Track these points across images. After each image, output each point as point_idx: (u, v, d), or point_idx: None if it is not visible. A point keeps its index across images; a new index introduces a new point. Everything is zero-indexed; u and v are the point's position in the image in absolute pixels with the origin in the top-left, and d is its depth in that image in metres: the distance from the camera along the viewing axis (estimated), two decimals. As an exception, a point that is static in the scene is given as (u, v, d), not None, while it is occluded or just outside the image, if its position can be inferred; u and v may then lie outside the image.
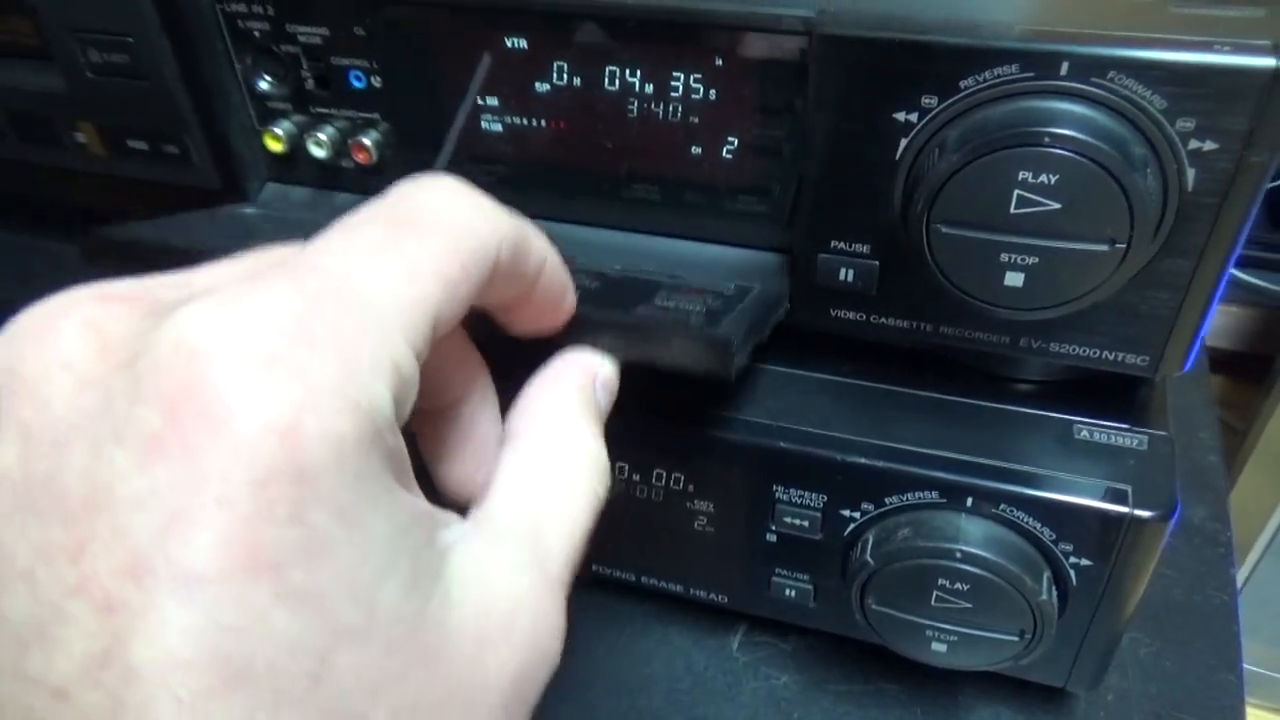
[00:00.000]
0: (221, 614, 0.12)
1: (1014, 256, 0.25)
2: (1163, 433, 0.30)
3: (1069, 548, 0.28)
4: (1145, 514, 0.28)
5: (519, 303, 0.21)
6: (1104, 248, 0.24)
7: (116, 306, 0.14)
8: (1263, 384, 1.08)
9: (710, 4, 0.28)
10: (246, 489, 0.12)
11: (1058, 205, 0.24)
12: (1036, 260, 0.25)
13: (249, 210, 0.35)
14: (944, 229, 0.26)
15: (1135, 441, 0.30)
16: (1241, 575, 0.84)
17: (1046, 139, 0.23)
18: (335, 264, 0.15)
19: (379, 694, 0.13)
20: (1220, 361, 1.29)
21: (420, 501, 0.16)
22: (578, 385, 0.22)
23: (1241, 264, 1.31)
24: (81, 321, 0.14)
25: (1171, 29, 0.23)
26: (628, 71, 0.30)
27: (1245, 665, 0.93)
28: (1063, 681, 0.32)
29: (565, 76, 0.31)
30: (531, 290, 0.21)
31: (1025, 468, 0.29)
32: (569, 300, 0.23)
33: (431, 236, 0.17)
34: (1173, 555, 0.40)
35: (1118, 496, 0.28)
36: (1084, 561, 0.29)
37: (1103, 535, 0.28)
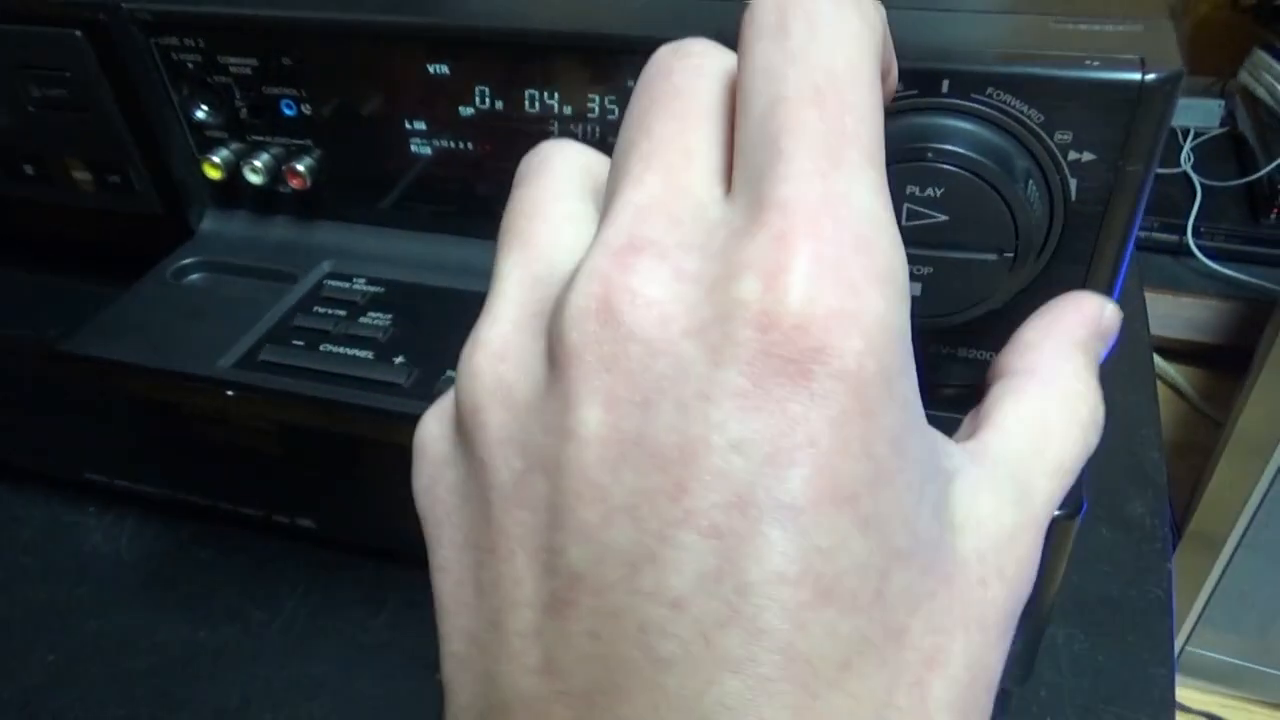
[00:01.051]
0: (816, 538, 0.14)
1: (910, 267, 0.26)
2: (1073, 433, 0.31)
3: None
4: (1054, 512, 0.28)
5: None
6: (992, 257, 0.25)
7: (646, 269, 0.15)
8: (1242, 377, 1.08)
9: (616, 29, 0.29)
10: (828, 430, 0.14)
11: (945, 217, 0.25)
12: (931, 270, 0.26)
13: (195, 276, 0.36)
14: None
15: (1046, 442, 0.30)
16: (1218, 568, 0.85)
17: (930, 154, 0.24)
18: (817, 190, 0.15)
19: (917, 609, 0.15)
20: (1201, 355, 1.30)
21: (929, 426, 0.17)
22: (1084, 335, 0.22)
23: (1222, 258, 1.32)
24: (630, 291, 0.15)
25: (1048, 46, 0.24)
26: (546, 94, 0.31)
27: (1221, 657, 0.94)
28: (991, 678, 0.33)
29: (487, 100, 0.32)
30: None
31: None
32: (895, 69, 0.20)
33: (861, 95, 0.16)
34: (1111, 551, 0.40)
35: (1025, 496, 0.29)
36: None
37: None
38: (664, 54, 0.18)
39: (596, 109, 0.30)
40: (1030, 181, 0.25)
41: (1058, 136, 0.24)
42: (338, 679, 0.39)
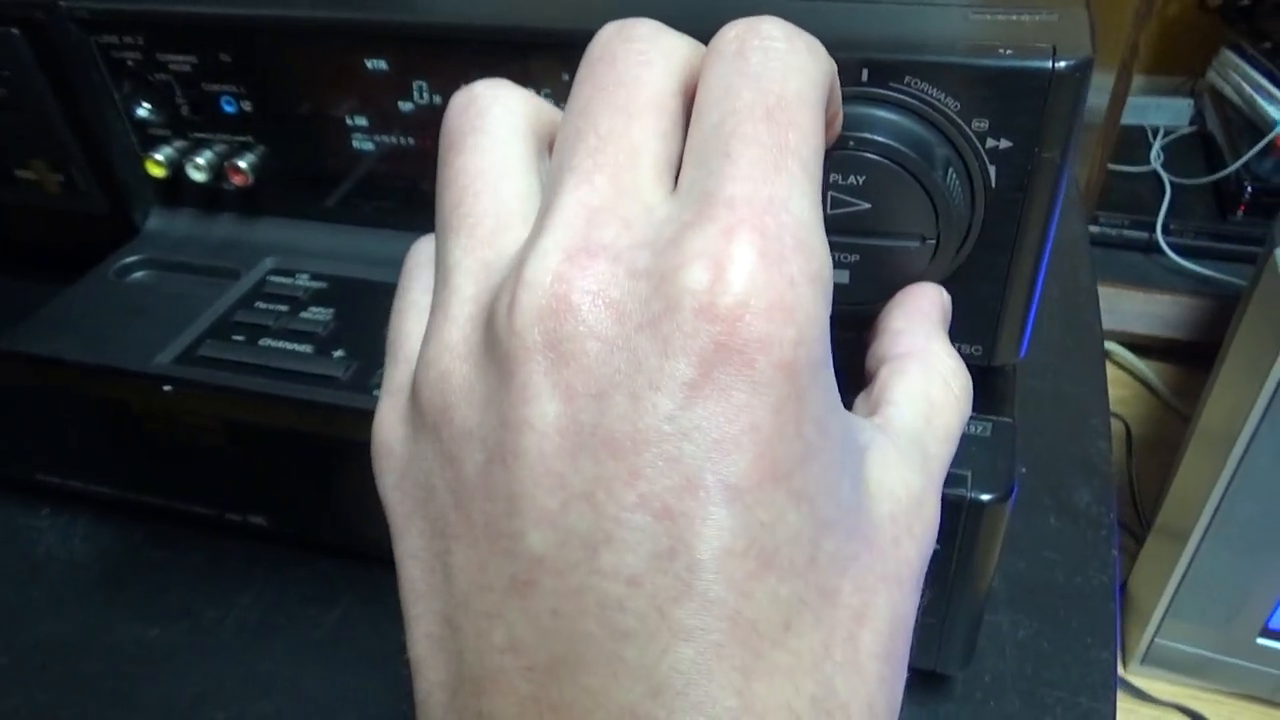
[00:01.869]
0: (758, 514, 0.15)
1: (836, 254, 0.27)
2: (1006, 419, 0.31)
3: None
4: (984, 497, 0.29)
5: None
6: (915, 244, 0.26)
7: (597, 268, 0.16)
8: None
9: (550, 23, 0.29)
10: (769, 415, 0.15)
11: (868, 205, 0.25)
12: (858, 257, 0.26)
13: (138, 274, 0.36)
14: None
15: (979, 428, 0.31)
16: (1184, 560, 0.86)
17: (851, 142, 0.25)
18: (763, 193, 0.16)
19: (845, 571, 0.17)
20: (1172, 351, 1.31)
21: (843, 408, 0.18)
22: (938, 316, 0.25)
23: (1191, 254, 1.33)
24: (590, 293, 0.16)
25: (965, 36, 0.25)
26: (483, 89, 0.31)
27: (1189, 649, 0.94)
28: (933, 665, 0.33)
29: (426, 95, 0.32)
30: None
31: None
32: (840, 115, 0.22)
33: (806, 117, 0.17)
34: (1057, 539, 0.41)
35: (957, 481, 0.29)
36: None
37: (948, 516, 0.29)
38: (609, 35, 0.19)
39: (533, 103, 0.31)
40: (950, 169, 0.25)
41: (975, 124, 0.25)
42: (290, 676, 0.39)
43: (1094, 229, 1.33)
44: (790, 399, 0.15)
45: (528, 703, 0.15)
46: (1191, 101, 1.54)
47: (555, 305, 0.16)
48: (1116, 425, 1.26)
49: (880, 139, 0.24)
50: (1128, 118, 1.35)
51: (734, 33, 0.18)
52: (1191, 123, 1.53)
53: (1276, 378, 0.71)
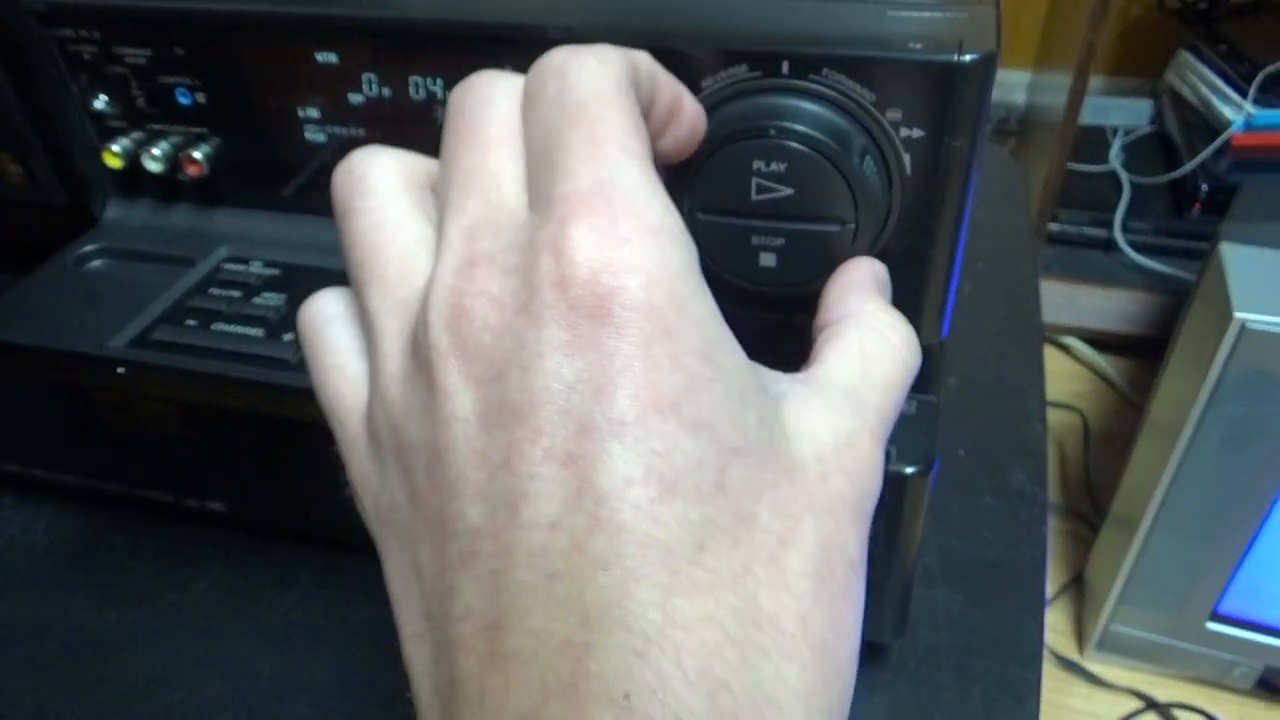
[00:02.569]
0: (650, 444, 0.17)
1: (763, 239, 0.28)
2: (931, 398, 0.33)
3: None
4: (907, 470, 0.30)
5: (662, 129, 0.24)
6: (835, 228, 0.27)
7: (494, 279, 0.19)
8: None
9: (493, 17, 0.30)
10: (638, 352, 0.17)
11: (790, 191, 0.27)
12: (783, 241, 0.28)
13: (96, 263, 0.36)
14: (702, 216, 0.28)
15: (905, 406, 0.32)
16: (1135, 547, 0.88)
17: (772, 131, 0.26)
18: (586, 183, 0.19)
19: (761, 497, 0.18)
20: (1130, 346, 1.34)
21: (743, 353, 0.20)
22: (874, 283, 0.26)
23: (1149, 252, 1.36)
24: (476, 295, 0.18)
25: (879, 30, 0.26)
26: (429, 81, 0.32)
27: (1142, 634, 0.97)
28: (866, 634, 0.35)
29: (375, 87, 0.33)
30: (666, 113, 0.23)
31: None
32: (689, 106, 0.24)
33: (607, 110, 0.20)
34: (992, 518, 0.42)
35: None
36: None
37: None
38: (456, 94, 0.22)
39: (478, 95, 0.32)
40: (867, 157, 0.26)
41: (889, 114, 0.26)
42: (246, 657, 0.40)
43: (1054, 227, 1.36)
44: (657, 336, 0.17)
45: (485, 658, 0.17)
46: (1151, 102, 1.57)
47: (454, 313, 0.18)
48: (1074, 417, 1.29)
49: (800, 128, 0.26)
50: (1089, 118, 1.38)
51: (533, 72, 0.21)
52: (1151, 123, 1.56)
53: (1218, 369, 0.73)
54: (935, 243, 0.28)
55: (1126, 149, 1.49)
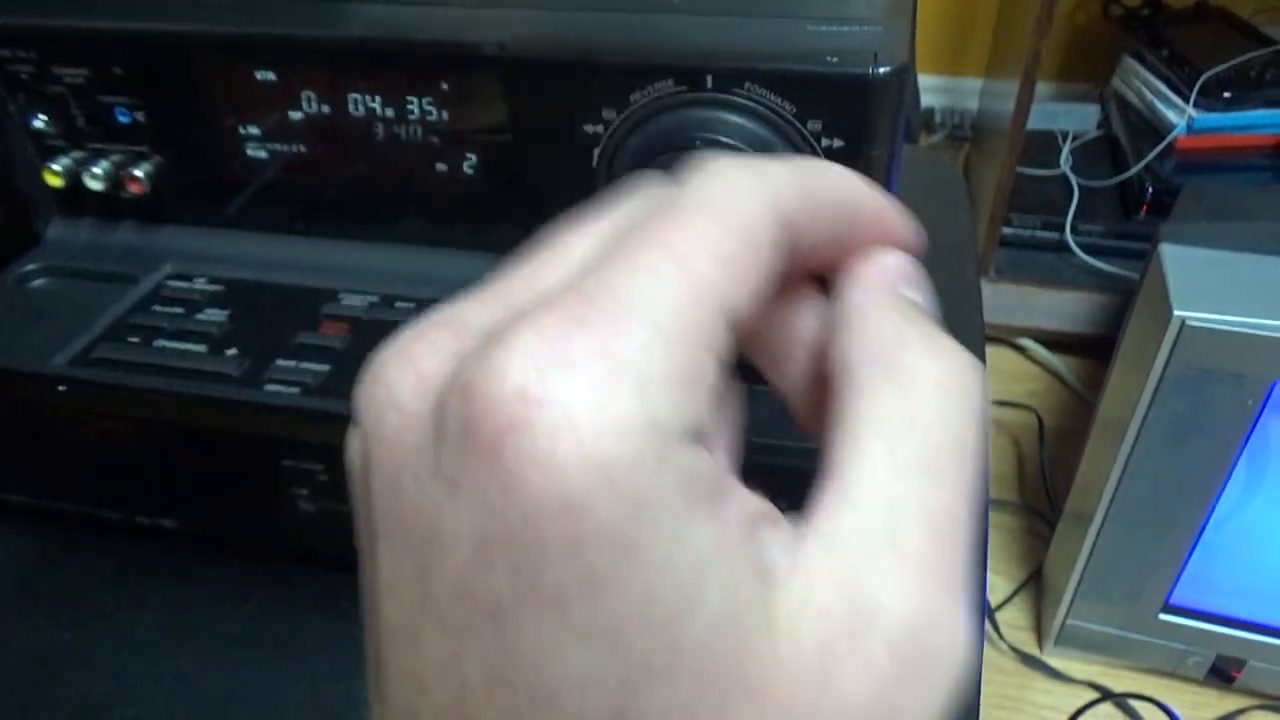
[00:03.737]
0: (523, 647, 0.13)
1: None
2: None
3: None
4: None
5: (847, 250, 0.18)
6: (762, 236, 0.28)
7: (431, 339, 0.15)
8: (1113, 363, 1.15)
9: (418, 33, 0.31)
10: (522, 525, 0.13)
11: (717, 200, 0.27)
12: (713, 250, 0.29)
13: (38, 281, 0.36)
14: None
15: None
16: (1088, 542, 0.90)
17: (698, 142, 0.27)
18: (606, 285, 0.14)
19: None
20: (1081, 345, 1.37)
21: (732, 514, 0.14)
22: (897, 295, 0.18)
23: (1098, 253, 1.39)
24: (401, 358, 0.15)
25: (799, 44, 0.27)
26: (368, 98, 0.33)
27: (1098, 627, 0.98)
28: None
29: (314, 104, 0.33)
30: (854, 229, 0.18)
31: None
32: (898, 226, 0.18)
33: (706, 225, 0.15)
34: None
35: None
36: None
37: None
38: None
39: (416, 111, 0.32)
40: (790, 167, 0.27)
41: (810, 125, 0.27)
42: (201, 672, 0.40)
43: (1007, 230, 1.38)
44: (550, 507, 0.12)
45: None
46: (1098, 107, 1.61)
47: (378, 370, 0.15)
48: (1029, 417, 1.31)
49: (726, 140, 0.27)
50: (1039, 123, 1.41)
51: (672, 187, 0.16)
52: (1098, 127, 1.59)
53: (1160, 365, 0.75)
54: (860, 248, 0.29)
55: (1076, 153, 1.52)
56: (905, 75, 0.26)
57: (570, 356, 0.13)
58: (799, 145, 0.27)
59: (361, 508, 0.15)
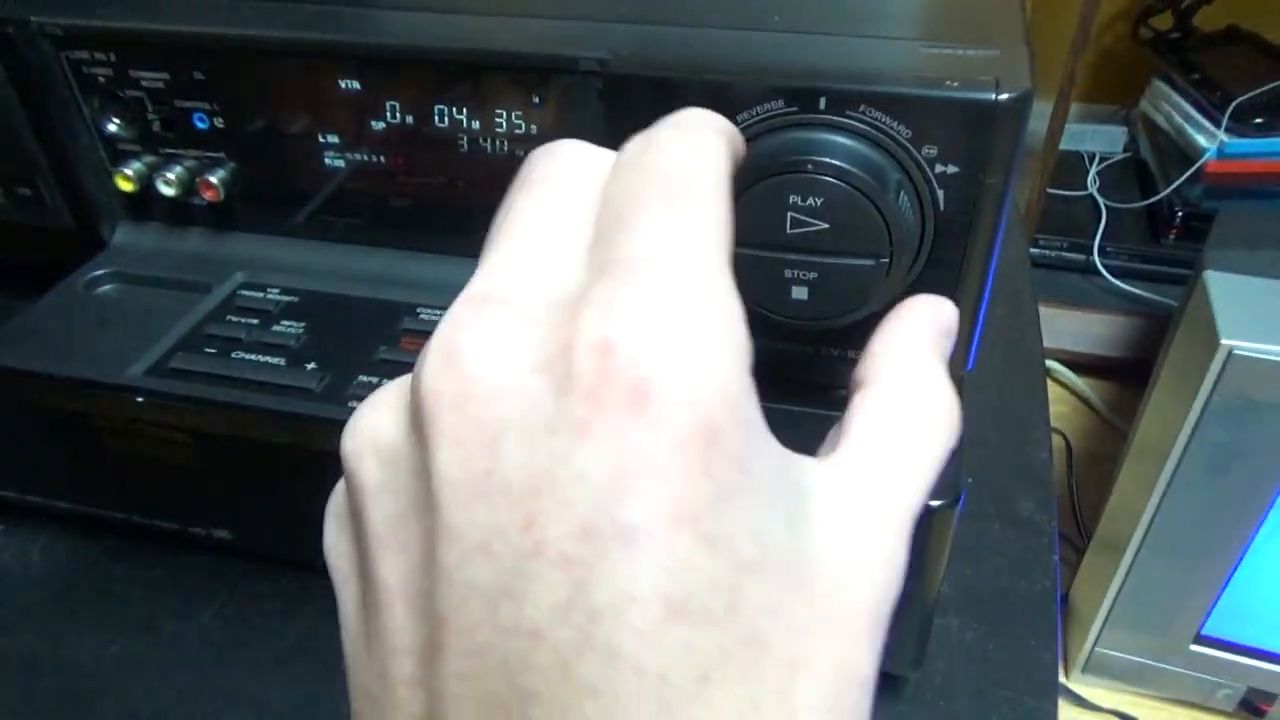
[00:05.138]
0: (660, 559, 0.15)
1: (796, 272, 0.28)
2: (954, 429, 0.33)
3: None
4: (933, 503, 0.30)
5: None
6: (870, 262, 0.27)
7: (510, 322, 0.17)
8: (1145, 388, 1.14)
9: (518, 47, 0.30)
10: (665, 454, 0.15)
11: (826, 225, 0.27)
12: (815, 275, 0.28)
13: (106, 288, 0.36)
14: (735, 249, 0.28)
15: (929, 438, 0.32)
16: (1122, 570, 0.89)
17: (810, 166, 0.26)
18: (657, 251, 0.17)
19: (777, 615, 0.16)
20: (1108, 369, 1.36)
21: (781, 447, 0.18)
22: (925, 337, 0.23)
23: (1125, 276, 1.39)
24: (477, 336, 0.16)
25: (915, 68, 0.26)
26: (454, 110, 0.32)
27: (1127, 656, 0.97)
28: (885, 666, 0.35)
29: (398, 115, 0.33)
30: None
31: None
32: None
33: (701, 190, 0.18)
34: (1002, 546, 0.43)
35: (909, 488, 0.30)
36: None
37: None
38: (535, 153, 0.20)
39: (504, 124, 0.32)
40: (902, 192, 0.27)
41: (925, 151, 0.26)
42: (252, 688, 0.39)
43: (1034, 251, 1.38)
44: (693, 437, 0.15)
45: None
46: (1125, 129, 1.60)
47: (449, 350, 0.16)
48: (1057, 440, 1.30)
49: (837, 163, 0.26)
50: (1066, 144, 1.41)
51: (635, 140, 0.20)
52: (1126, 149, 1.59)
53: (1205, 394, 0.74)
54: (966, 277, 0.29)
55: (1103, 175, 1.52)
56: (1028, 102, 0.26)
57: (688, 315, 0.16)
58: (911, 170, 0.27)
59: (406, 491, 0.17)
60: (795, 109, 0.27)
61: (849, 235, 0.27)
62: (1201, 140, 1.33)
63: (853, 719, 0.17)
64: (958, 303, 0.29)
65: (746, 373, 0.17)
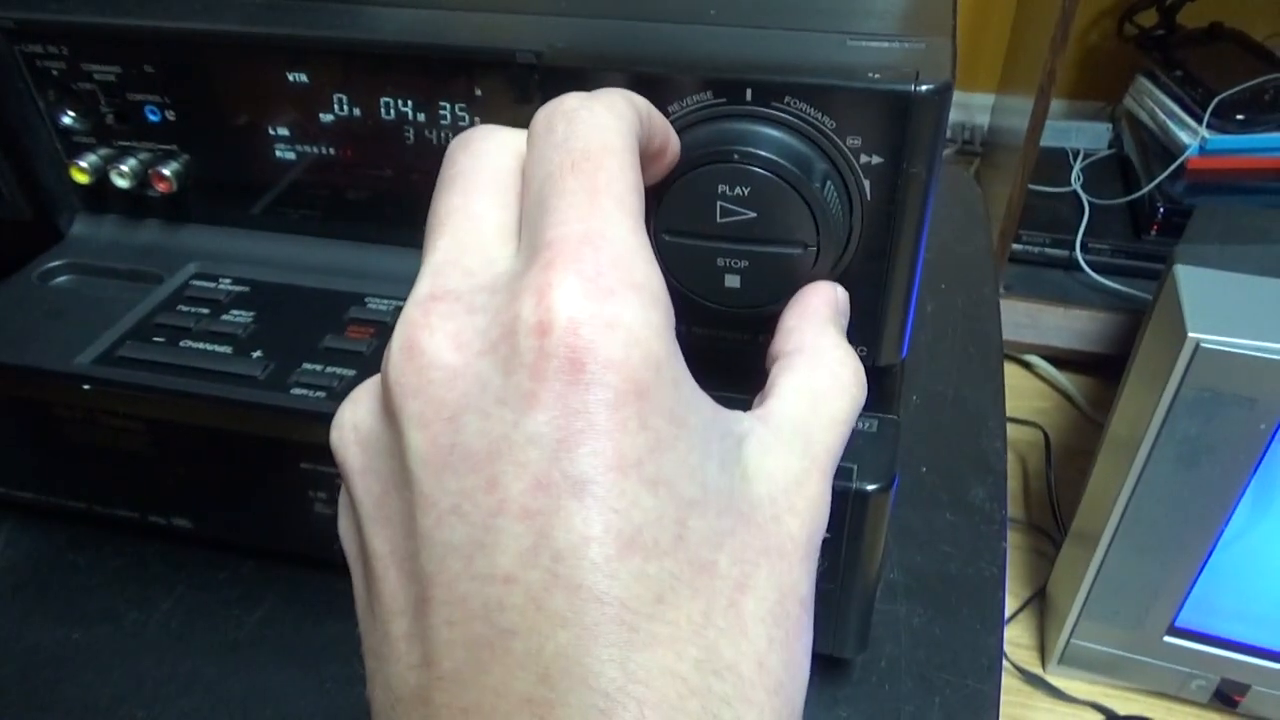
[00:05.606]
0: (609, 502, 0.17)
1: (728, 260, 0.29)
2: (892, 416, 0.33)
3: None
4: (869, 487, 0.31)
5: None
6: (798, 250, 0.28)
7: (457, 314, 0.19)
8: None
9: (461, 40, 0.30)
10: (604, 412, 0.17)
11: (754, 214, 0.27)
12: (746, 263, 0.28)
13: (61, 279, 0.36)
14: (668, 238, 0.29)
15: (866, 424, 0.33)
16: (1095, 563, 0.90)
17: (736, 155, 0.27)
18: (578, 230, 0.18)
19: (721, 545, 0.18)
20: (1089, 364, 1.37)
21: (712, 401, 0.20)
22: (830, 313, 0.26)
23: (1107, 272, 1.39)
24: (431, 330, 0.18)
25: (840, 60, 0.27)
26: (400, 102, 0.33)
27: (1102, 648, 0.98)
28: (829, 649, 0.35)
29: (345, 107, 0.33)
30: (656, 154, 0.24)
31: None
32: (674, 143, 0.25)
33: (611, 162, 0.20)
34: (952, 533, 0.43)
35: (844, 474, 0.31)
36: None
37: (836, 506, 0.31)
38: (451, 146, 0.22)
39: (448, 116, 0.32)
40: (828, 181, 0.27)
41: (849, 141, 0.27)
42: (212, 675, 0.40)
43: (1017, 247, 1.38)
44: (627, 395, 0.17)
45: (443, 710, 0.17)
46: (1110, 126, 1.61)
47: (408, 346, 0.18)
48: (1036, 434, 1.31)
49: (763, 153, 0.26)
50: (1050, 140, 1.41)
51: (542, 114, 0.21)
52: (1110, 146, 1.59)
53: (1173, 387, 0.75)
54: (895, 266, 0.29)
55: (1086, 171, 1.52)
56: (948, 94, 0.26)
57: (612, 287, 0.18)
58: (836, 160, 0.27)
59: (386, 471, 0.19)
60: (723, 100, 0.27)
61: (777, 224, 0.27)
62: (1184, 136, 1.34)
63: (796, 629, 0.19)
64: (889, 290, 0.30)
65: (670, 334, 0.19)
